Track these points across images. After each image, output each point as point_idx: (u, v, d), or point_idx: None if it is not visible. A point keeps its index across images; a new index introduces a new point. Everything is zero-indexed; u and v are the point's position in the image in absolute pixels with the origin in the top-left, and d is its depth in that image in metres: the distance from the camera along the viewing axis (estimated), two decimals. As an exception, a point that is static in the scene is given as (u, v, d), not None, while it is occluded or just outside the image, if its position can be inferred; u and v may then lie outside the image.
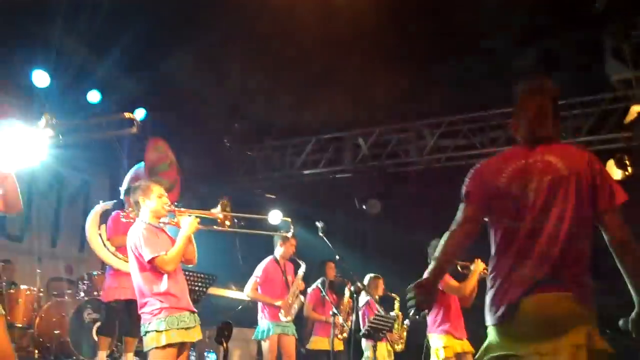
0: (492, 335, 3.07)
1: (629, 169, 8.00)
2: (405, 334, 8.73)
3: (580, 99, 8.83)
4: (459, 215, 3.26)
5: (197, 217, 5.10)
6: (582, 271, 2.99)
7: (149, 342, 4.81)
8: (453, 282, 6.84)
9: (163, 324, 4.77)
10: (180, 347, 4.88)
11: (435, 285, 3.22)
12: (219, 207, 5.29)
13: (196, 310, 5.05)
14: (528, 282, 2.96)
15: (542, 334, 2.87)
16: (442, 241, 3.26)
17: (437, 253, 3.24)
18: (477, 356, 3.13)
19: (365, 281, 8.59)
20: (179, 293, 4.92)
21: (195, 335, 4.95)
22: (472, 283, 6.79)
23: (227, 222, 5.30)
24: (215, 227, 5.30)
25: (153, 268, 4.84)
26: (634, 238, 3.00)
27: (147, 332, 4.82)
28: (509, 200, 3.09)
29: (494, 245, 3.18)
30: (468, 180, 3.28)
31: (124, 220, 6.36)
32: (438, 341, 6.73)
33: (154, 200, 5.07)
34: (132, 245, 4.92)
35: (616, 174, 8.07)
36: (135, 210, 5.23)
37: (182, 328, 4.82)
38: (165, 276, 4.87)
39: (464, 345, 6.76)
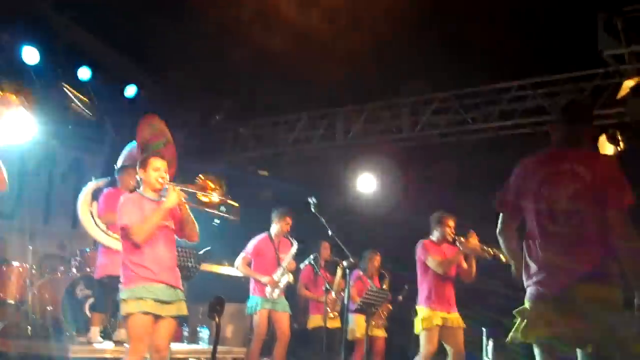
0: (529, 310, 3.60)
1: (621, 144, 8.00)
2: (385, 313, 8.79)
3: (573, 74, 8.81)
4: (500, 224, 3.82)
5: (183, 190, 5.06)
6: (606, 264, 3.44)
7: (120, 309, 4.87)
8: (435, 255, 6.87)
9: (129, 292, 4.80)
10: (156, 319, 4.86)
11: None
12: (215, 194, 5.26)
13: (178, 286, 5.03)
14: (563, 275, 3.46)
15: (573, 315, 3.39)
16: (502, 246, 3.87)
17: (510, 258, 3.86)
18: (517, 332, 3.64)
19: (364, 256, 8.67)
20: (156, 265, 4.91)
21: (172, 310, 4.93)
22: (453, 261, 6.84)
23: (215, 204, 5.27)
24: (207, 209, 5.27)
25: (126, 236, 4.87)
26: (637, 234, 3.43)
27: (120, 299, 4.87)
28: (542, 202, 3.59)
29: (529, 235, 3.67)
30: (502, 191, 3.81)
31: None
32: (420, 313, 6.83)
33: (149, 173, 5.07)
34: (117, 211, 4.99)
35: (608, 149, 8.08)
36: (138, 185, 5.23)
37: (151, 299, 4.81)
38: (144, 247, 4.87)
39: (450, 319, 6.80)
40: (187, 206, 5.13)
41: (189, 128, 11.10)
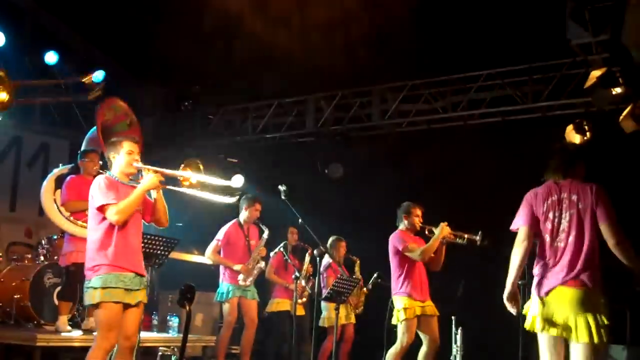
0: (535, 305, 4.63)
1: (588, 133, 8.09)
2: (363, 298, 8.84)
3: (541, 64, 8.89)
4: (519, 236, 4.74)
5: (157, 172, 5.01)
6: (595, 272, 4.54)
7: (86, 298, 4.81)
8: (412, 246, 6.92)
9: (99, 281, 4.74)
10: (125, 307, 4.83)
11: (515, 289, 4.75)
12: (188, 171, 5.22)
13: (144, 273, 5.00)
14: (559, 279, 4.54)
15: (566, 311, 4.47)
16: (513, 257, 4.73)
17: (511, 266, 4.73)
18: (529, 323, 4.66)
19: (328, 243, 8.66)
20: (126, 253, 4.85)
21: (138, 297, 4.89)
22: (432, 246, 6.88)
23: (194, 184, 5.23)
24: (183, 188, 5.23)
25: (103, 221, 4.81)
26: (625, 239, 4.52)
27: (87, 287, 4.81)
28: (548, 223, 4.68)
29: (539, 250, 4.73)
30: (521, 209, 4.82)
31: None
32: (399, 303, 6.83)
33: (122, 156, 5.02)
34: (90, 196, 4.89)
35: (575, 138, 8.16)
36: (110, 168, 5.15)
37: (121, 288, 4.76)
38: (114, 234, 4.81)
39: (426, 308, 6.86)
40: (161, 190, 5.08)
41: (158, 114, 11.02)
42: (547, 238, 4.68)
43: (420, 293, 6.86)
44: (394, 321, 6.87)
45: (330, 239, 8.80)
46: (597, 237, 4.58)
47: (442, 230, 6.84)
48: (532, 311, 4.68)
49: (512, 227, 4.85)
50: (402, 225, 7.10)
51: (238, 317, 7.84)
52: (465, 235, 6.95)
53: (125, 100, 7.56)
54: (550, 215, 4.70)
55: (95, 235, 4.86)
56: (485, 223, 7.03)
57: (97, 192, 4.84)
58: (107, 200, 4.79)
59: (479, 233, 6.89)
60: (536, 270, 4.74)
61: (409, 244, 6.91)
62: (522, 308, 4.78)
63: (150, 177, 4.93)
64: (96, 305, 4.75)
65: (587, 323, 4.40)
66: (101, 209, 4.79)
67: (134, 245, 4.97)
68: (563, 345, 4.57)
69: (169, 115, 11.29)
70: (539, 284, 4.66)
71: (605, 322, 4.43)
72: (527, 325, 4.73)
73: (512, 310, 4.75)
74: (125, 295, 4.79)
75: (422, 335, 6.86)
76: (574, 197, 4.66)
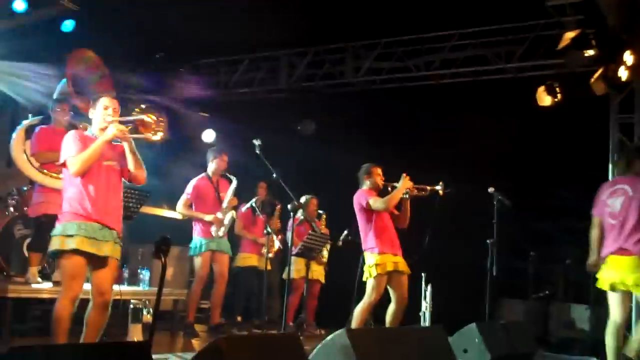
0: (604, 270, 6.19)
1: (559, 95, 8.18)
2: (326, 252, 8.92)
3: (514, 25, 8.92)
4: (593, 223, 6.36)
5: (123, 123, 4.97)
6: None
7: (51, 244, 4.81)
8: (375, 198, 6.97)
9: (60, 228, 4.76)
10: (90, 259, 4.80)
11: (596, 258, 6.35)
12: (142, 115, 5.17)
13: (115, 228, 4.95)
14: (616, 249, 6.11)
15: (622, 273, 6.03)
16: (594, 237, 6.36)
17: (594, 246, 6.36)
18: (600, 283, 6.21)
19: (302, 201, 8.70)
20: (93, 202, 4.82)
21: (106, 250, 4.85)
22: (396, 195, 6.92)
23: (159, 132, 5.18)
24: (148, 137, 5.16)
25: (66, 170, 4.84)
26: None
27: (51, 235, 4.82)
28: (609, 208, 6.24)
29: (605, 232, 6.27)
30: (594, 202, 6.38)
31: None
32: (371, 259, 6.87)
33: (98, 111, 5.00)
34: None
35: (546, 100, 8.24)
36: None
37: (87, 237, 4.74)
38: (78, 184, 4.81)
39: (399, 264, 6.91)
40: (132, 142, 5.04)
41: (129, 66, 10.84)
42: (609, 221, 6.22)
43: (391, 247, 6.89)
44: (365, 277, 6.91)
45: (304, 198, 8.84)
46: None
47: (405, 182, 6.89)
48: (603, 275, 6.18)
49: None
50: (365, 185, 7.13)
51: (209, 271, 7.87)
52: (428, 187, 7.02)
53: (94, 51, 7.45)
54: (610, 202, 6.24)
55: (64, 185, 4.90)
56: (454, 179, 7.12)
57: (63, 146, 4.87)
58: (67, 154, 4.81)
59: (440, 183, 6.98)
60: (603, 245, 6.27)
61: (373, 196, 6.96)
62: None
63: (110, 127, 4.90)
64: (57, 253, 4.76)
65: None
66: (64, 163, 4.82)
67: (106, 199, 4.92)
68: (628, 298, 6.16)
69: (140, 68, 11.12)
70: (606, 253, 6.19)
71: None
72: (598, 284, 6.24)
73: (594, 270, 6.35)
74: (88, 244, 4.75)
75: (391, 292, 6.90)
76: (626, 187, 6.20)
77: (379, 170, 7.13)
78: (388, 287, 6.86)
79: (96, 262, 4.84)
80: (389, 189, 7.02)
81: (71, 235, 4.71)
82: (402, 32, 9.65)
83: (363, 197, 6.95)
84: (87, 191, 4.82)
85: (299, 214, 8.58)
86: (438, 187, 6.98)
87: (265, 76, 10.70)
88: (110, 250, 4.89)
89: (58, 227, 4.78)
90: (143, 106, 5.27)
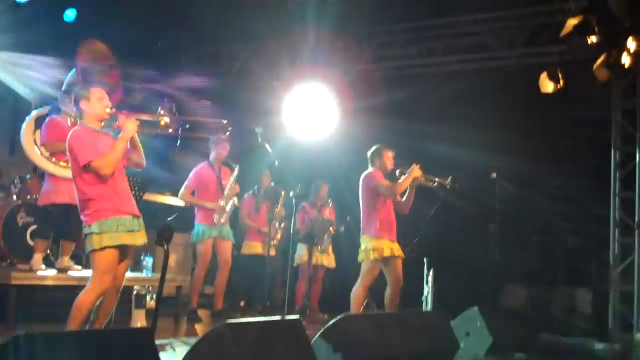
0: None
1: (561, 81, 8.15)
2: (327, 237, 8.94)
3: (517, 11, 8.89)
4: None
5: (138, 119, 5.03)
6: None
7: (88, 244, 4.83)
8: (384, 181, 7.00)
9: (102, 226, 4.78)
10: (122, 250, 4.90)
11: None
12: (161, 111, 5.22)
13: (139, 215, 5.06)
14: None
15: None
16: None
17: None
18: None
19: (312, 187, 8.79)
20: (119, 196, 4.92)
21: (139, 239, 5.00)
22: (404, 184, 6.95)
23: (169, 127, 5.23)
24: (159, 130, 5.23)
25: (89, 171, 4.80)
26: None
27: (86, 234, 4.83)
28: None
29: None
30: None
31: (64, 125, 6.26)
32: (368, 242, 6.92)
33: (94, 103, 5.00)
34: (70, 148, 4.87)
35: (548, 86, 8.22)
36: (76, 114, 5.14)
37: (123, 231, 4.83)
38: (109, 180, 4.86)
39: (394, 249, 6.96)
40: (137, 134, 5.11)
41: (130, 55, 10.82)
42: None
43: (389, 232, 6.96)
44: (360, 258, 6.97)
45: (314, 183, 8.92)
46: None
47: (414, 171, 6.92)
48: None
49: None
50: (374, 166, 7.16)
51: (212, 258, 7.91)
52: (436, 179, 7.05)
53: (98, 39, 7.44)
54: None
55: (85, 181, 4.87)
56: (457, 169, 7.13)
57: (79, 147, 4.84)
58: (92, 156, 4.81)
59: (450, 178, 6.99)
60: None
61: (382, 181, 6.97)
62: None
63: (129, 123, 4.97)
64: (98, 250, 4.79)
65: None
66: (88, 166, 4.81)
67: (124, 187, 5.05)
68: None
69: (142, 57, 11.10)
70: None
71: None
72: None
73: None
74: (128, 237, 4.88)
75: (386, 276, 7.00)
76: None
77: (390, 154, 7.20)
78: (383, 271, 6.93)
79: (123, 251, 4.94)
80: (397, 173, 7.04)
81: (112, 231, 4.79)
82: (404, 19, 9.61)
83: (373, 179, 6.99)
84: (113, 186, 4.90)
85: (306, 201, 8.64)
86: (446, 182, 7.01)
87: (268, 63, 10.64)
88: (142, 237, 5.05)
89: (96, 225, 4.79)
90: (139, 96, 5.27)
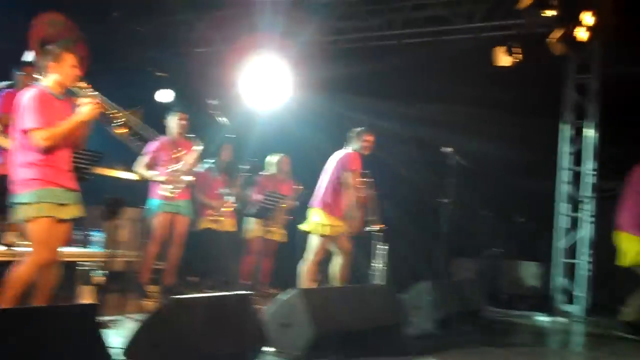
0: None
1: (518, 56, 8.19)
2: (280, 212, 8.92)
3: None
4: None
5: (99, 104, 4.83)
6: None
7: (17, 213, 4.69)
8: (353, 175, 7.11)
9: (32, 196, 4.62)
10: (57, 223, 4.74)
11: None
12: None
13: (76, 188, 4.90)
14: None
15: None
16: None
17: None
18: None
19: (273, 159, 8.75)
20: (56, 167, 4.74)
21: (71, 212, 4.82)
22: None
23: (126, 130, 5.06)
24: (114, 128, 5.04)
25: (29, 138, 4.64)
26: None
27: (14, 203, 4.68)
28: None
29: None
30: None
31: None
32: (322, 217, 7.09)
33: (64, 69, 4.81)
34: (21, 107, 4.68)
35: (505, 60, 8.25)
36: (42, 75, 4.91)
37: (54, 203, 4.68)
38: (46, 150, 4.67)
39: (344, 227, 7.11)
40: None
41: (83, 25, 10.58)
42: None
43: (341, 211, 7.11)
44: (308, 228, 7.04)
45: (276, 156, 8.85)
46: None
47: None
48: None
49: None
50: (354, 147, 7.20)
51: (167, 233, 7.78)
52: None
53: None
54: None
55: (22, 147, 4.70)
56: (411, 138, 7.15)
57: (29, 110, 4.63)
58: (36, 124, 4.61)
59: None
60: None
61: (354, 171, 7.07)
62: None
63: (90, 108, 4.76)
64: (27, 220, 4.64)
65: None
66: (28, 132, 4.62)
67: (63, 159, 4.84)
68: None
69: (95, 27, 10.86)
70: None
71: None
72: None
73: None
74: (59, 209, 4.70)
75: (336, 249, 7.13)
76: None
77: (370, 138, 7.30)
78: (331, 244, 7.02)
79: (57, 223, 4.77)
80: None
81: (44, 203, 4.63)
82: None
83: (351, 163, 7.07)
84: (50, 154, 4.70)
85: (267, 173, 8.60)
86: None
87: (225, 35, 10.50)
88: (77, 211, 4.87)
89: (26, 195, 4.63)
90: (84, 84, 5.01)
